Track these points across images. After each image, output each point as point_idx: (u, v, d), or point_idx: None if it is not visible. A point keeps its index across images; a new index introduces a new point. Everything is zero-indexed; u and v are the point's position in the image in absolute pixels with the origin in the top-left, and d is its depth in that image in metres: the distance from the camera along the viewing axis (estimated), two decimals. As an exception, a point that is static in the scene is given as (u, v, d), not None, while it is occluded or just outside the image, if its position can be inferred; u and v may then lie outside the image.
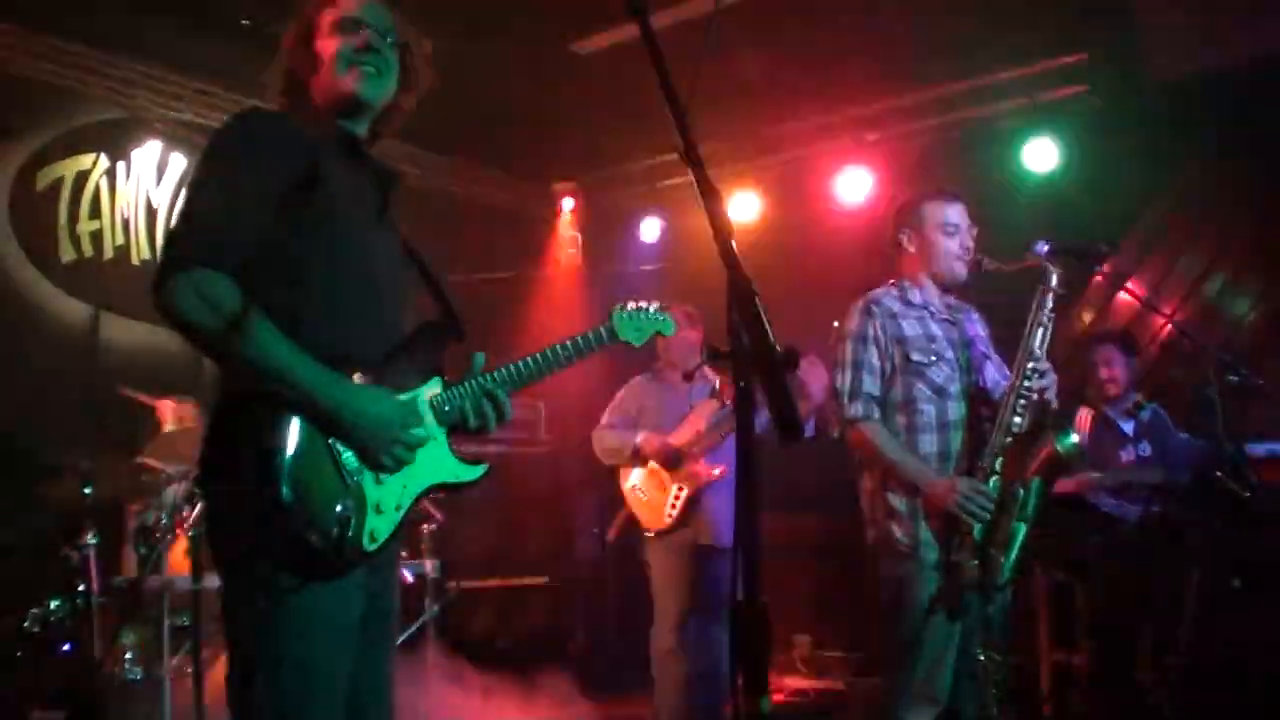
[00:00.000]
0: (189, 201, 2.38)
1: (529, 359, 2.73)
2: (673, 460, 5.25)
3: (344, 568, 2.31)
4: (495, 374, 2.66)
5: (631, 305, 3.04)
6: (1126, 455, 5.75)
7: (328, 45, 2.54)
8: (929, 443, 3.66)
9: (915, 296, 3.82)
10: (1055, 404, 3.66)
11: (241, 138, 2.40)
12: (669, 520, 5.24)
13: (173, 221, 2.77)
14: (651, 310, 3.08)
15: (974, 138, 7.41)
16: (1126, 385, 5.85)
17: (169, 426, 5.72)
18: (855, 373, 3.72)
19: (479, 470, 2.65)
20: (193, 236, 2.28)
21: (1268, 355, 6.57)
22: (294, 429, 2.27)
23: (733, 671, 1.68)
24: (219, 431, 2.34)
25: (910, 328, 3.73)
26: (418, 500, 2.53)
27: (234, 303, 2.22)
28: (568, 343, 2.80)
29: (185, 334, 2.25)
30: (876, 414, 3.70)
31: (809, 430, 4.57)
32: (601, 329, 2.92)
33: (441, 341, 2.65)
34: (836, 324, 3.90)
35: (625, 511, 5.51)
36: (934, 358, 3.69)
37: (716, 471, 5.19)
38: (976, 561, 3.47)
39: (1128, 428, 5.80)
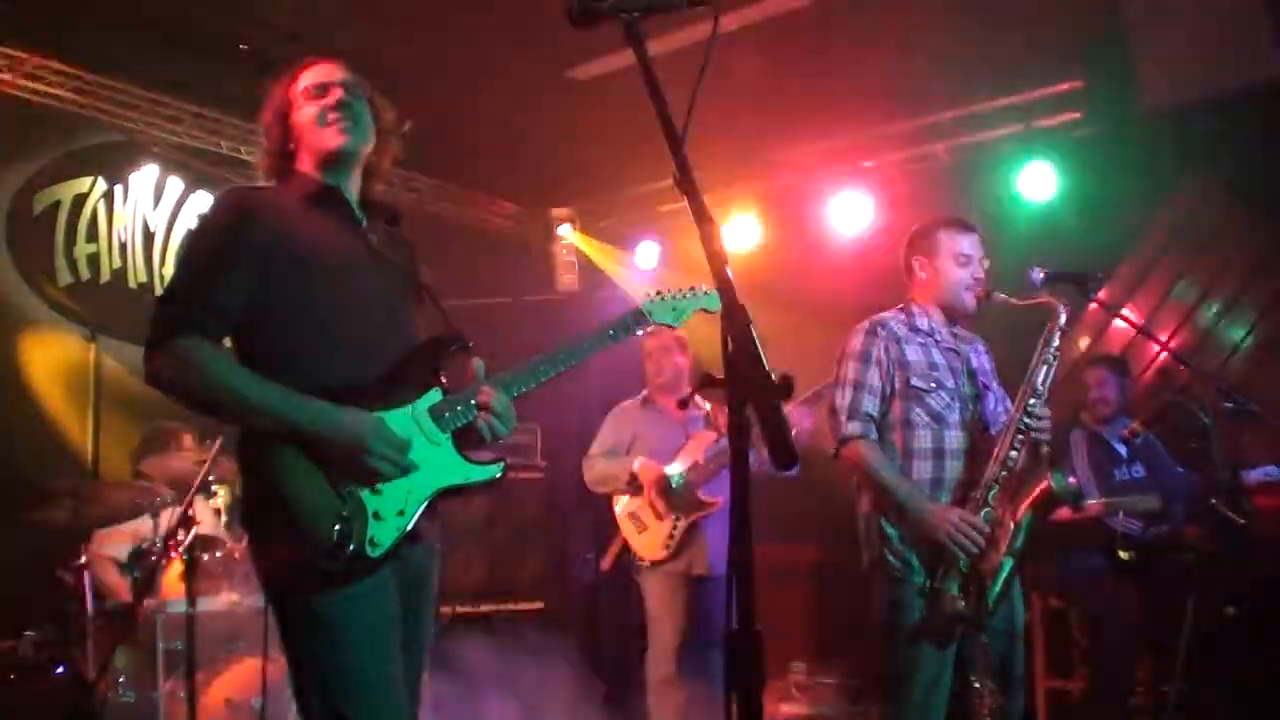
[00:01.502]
0: (168, 284, 2.62)
1: (541, 358, 2.75)
2: (671, 490, 5.20)
3: (352, 575, 2.43)
4: (504, 375, 2.72)
5: (666, 290, 3.04)
6: (1121, 475, 5.76)
7: (303, 113, 2.73)
8: (923, 469, 3.66)
9: (922, 323, 3.83)
10: (1048, 446, 3.66)
11: (215, 218, 2.66)
12: (666, 551, 5.20)
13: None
14: (690, 291, 3.05)
15: (970, 164, 7.43)
16: (1118, 407, 5.88)
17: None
18: (855, 392, 3.72)
19: (493, 470, 2.69)
20: (169, 315, 2.52)
21: (1263, 381, 6.57)
22: (281, 454, 2.44)
23: (727, 701, 1.67)
24: (242, 472, 2.56)
25: (913, 352, 3.74)
26: (429, 504, 2.58)
27: (200, 357, 2.45)
28: (586, 332, 2.81)
29: (171, 395, 2.48)
30: (873, 434, 3.70)
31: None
32: (627, 315, 2.90)
33: (442, 354, 2.73)
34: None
35: (620, 540, 5.46)
36: (934, 384, 3.69)
37: (716, 503, 5.14)
38: (958, 591, 3.47)
39: (1121, 450, 5.82)
